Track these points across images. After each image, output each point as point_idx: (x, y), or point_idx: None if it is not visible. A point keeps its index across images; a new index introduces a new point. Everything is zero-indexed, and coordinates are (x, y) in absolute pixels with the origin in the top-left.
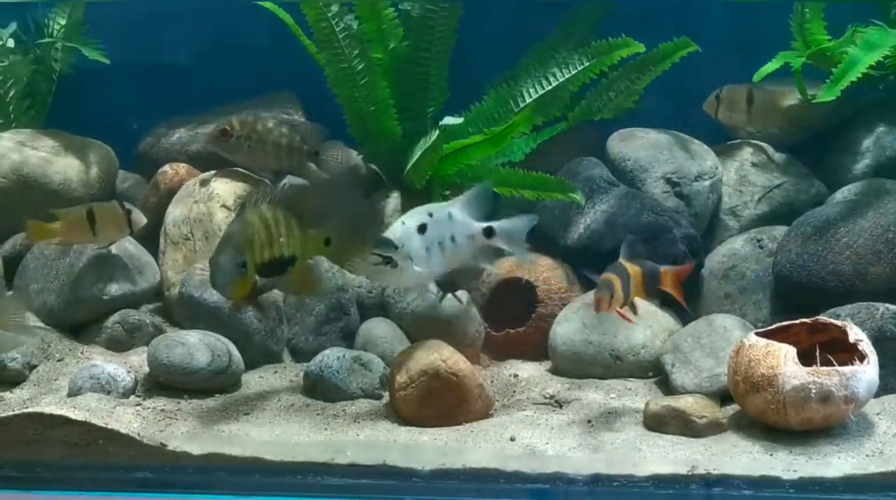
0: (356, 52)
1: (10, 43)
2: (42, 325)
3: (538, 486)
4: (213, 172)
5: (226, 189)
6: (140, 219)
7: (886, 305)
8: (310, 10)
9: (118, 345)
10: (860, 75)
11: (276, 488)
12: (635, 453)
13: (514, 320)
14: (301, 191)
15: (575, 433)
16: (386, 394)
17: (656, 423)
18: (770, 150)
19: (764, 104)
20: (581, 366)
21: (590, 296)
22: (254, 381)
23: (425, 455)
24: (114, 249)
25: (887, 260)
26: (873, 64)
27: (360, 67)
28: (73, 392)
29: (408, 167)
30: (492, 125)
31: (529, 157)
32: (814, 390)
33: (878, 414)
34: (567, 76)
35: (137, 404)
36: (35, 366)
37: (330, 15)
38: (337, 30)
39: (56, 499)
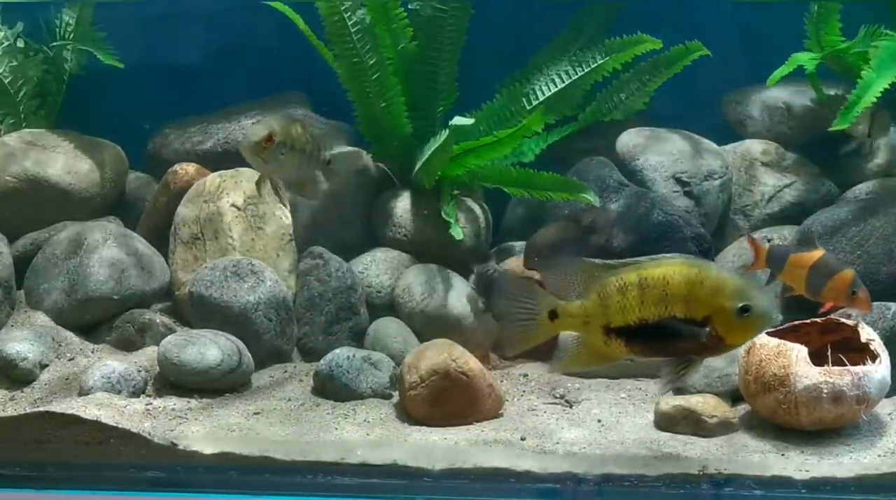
0: (368, 46)
1: (20, 43)
2: (53, 324)
3: (549, 486)
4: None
5: (235, 188)
6: None
7: None
8: (322, 4)
9: (129, 345)
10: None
11: (286, 487)
12: (646, 452)
13: None
14: None
15: (585, 432)
16: (396, 394)
17: (667, 422)
18: (780, 149)
19: None
20: None
21: None
22: (264, 380)
23: (435, 455)
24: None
25: None
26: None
27: (371, 62)
28: (84, 392)
29: (417, 167)
30: (503, 124)
31: (540, 156)
32: (825, 390)
33: (889, 414)
34: (581, 74)
35: (148, 404)
36: (46, 365)
37: (342, 9)
38: (349, 23)
39: (67, 498)
